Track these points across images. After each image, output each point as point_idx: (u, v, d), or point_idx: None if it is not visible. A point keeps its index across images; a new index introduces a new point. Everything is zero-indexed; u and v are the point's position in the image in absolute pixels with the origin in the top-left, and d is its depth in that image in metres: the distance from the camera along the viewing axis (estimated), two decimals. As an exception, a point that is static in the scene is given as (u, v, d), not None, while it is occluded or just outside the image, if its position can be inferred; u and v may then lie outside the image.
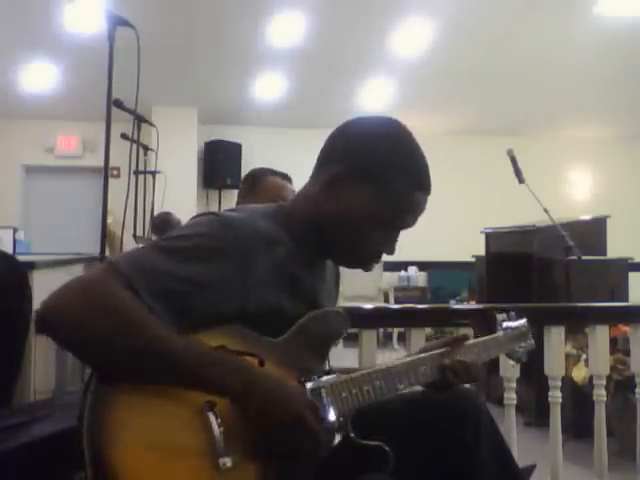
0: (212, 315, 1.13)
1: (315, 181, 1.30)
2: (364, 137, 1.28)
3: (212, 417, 1.05)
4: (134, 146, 3.56)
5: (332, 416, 1.20)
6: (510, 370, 2.26)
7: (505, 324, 1.62)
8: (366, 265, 1.33)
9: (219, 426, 1.05)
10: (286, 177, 2.61)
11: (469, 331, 2.13)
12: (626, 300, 3.97)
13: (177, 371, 1.04)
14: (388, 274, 7.72)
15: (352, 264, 1.34)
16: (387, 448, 1.26)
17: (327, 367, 1.31)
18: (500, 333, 1.60)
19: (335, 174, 1.25)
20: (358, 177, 1.24)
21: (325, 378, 1.23)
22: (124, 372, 1.04)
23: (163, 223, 4.63)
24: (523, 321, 1.66)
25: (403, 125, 1.31)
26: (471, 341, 1.54)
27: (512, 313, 1.65)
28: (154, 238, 4.45)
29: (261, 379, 1.08)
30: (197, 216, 1.26)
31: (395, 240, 1.31)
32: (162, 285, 1.08)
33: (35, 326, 1.82)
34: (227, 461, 1.04)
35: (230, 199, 7.41)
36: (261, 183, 2.56)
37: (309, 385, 1.20)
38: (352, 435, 1.26)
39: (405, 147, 1.28)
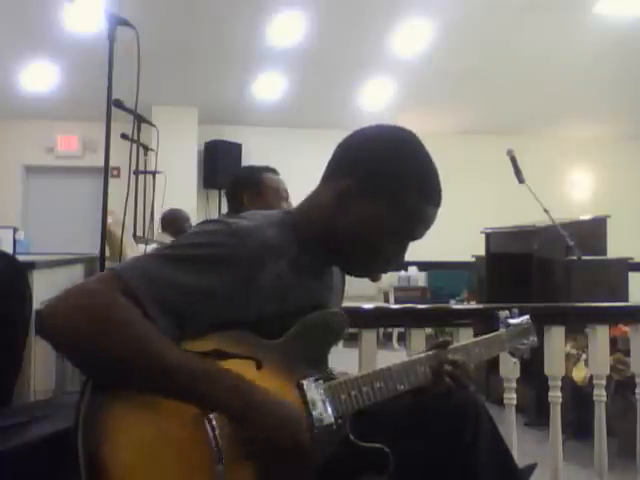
0: (212, 322, 1.12)
1: (325, 191, 1.28)
2: (376, 151, 1.26)
3: (208, 425, 1.05)
4: (134, 146, 3.55)
5: (331, 418, 1.19)
6: (510, 370, 2.26)
7: (507, 321, 1.61)
8: (374, 274, 1.33)
9: (215, 433, 1.05)
10: (275, 171, 2.67)
11: (469, 331, 2.13)
12: (626, 300, 3.97)
13: (174, 388, 1.03)
14: (388, 274, 7.72)
15: (361, 274, 1.34)
16: (387, 450, 1.26)
17: (327, 368, 1.31)
18: (502, 330, 1.59)
19: (346, 188, 1.23)
20: (370, 193, 1.23)
21: (324, 380, 1.23)
22: (122, 384, 1.03)
23: (173, 220, 4.67)
24: (526, 318, 1.65)
25: (415, 137, 1.29)
26: (473, 339, 1.54)
27: (515, 310, 1.65)
28: (164, 234, 4.50)
29: (256, 401, 1.07)
30: (205, 222, 1.24)
31: (404, 251, 1.30)
32: (168, 297, 1.07)
33: (35, 326, 1.82)
34: (223, 468, 1.04)
35: (230, 199, 7.39)
36: (266, 184, 2.58)
37: (308, 387, 1.20)
38: (351, 437, 1.26)
39: (417, 163, 1.27)
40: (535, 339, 1.66)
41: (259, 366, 1.15)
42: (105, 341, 1.00)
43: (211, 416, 1.05)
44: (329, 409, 1.20)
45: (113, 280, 1.05)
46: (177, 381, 1.03)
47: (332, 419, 1.20)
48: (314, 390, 1.20)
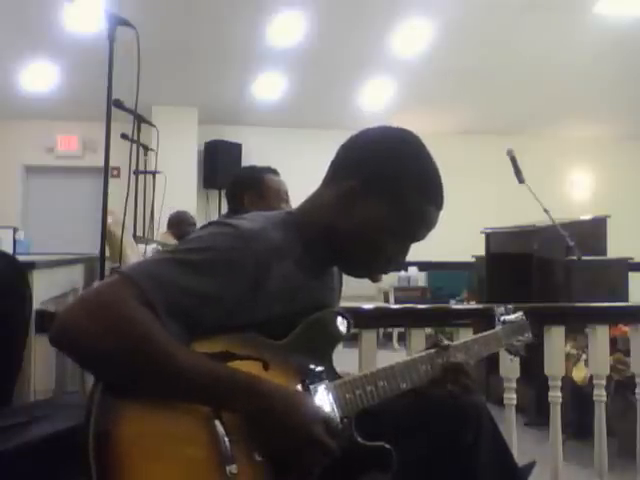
0: (219, 325, 1.12)
1: (327, 191, 1.29)
2: (379, 152, 1.26)
3: (219, 424, 1.05)
4: (134, 146, 3.55)
5: (337, 418, 1.20)
6: (510, 370, 2.26)
7: (503, 318, 1.63)
8: (375, 275, 1.34)
9: (226, 433, 1.05)
10: (276, 172, 2.67)
11: (469, 331, 2.13)
12: (626, 300, 3.97)
13: (186, 390, 1.04)
14: (388, 274, 7.68)
15: (362, 274, 1.34)
16: (390, 448, 1.26)
17: (332, 368, 1.31)
18: (499, 327, 1.61)
19: (349, 189, 1.24)
20: (373, 193, 1.24)
21: (329, 380, 1.24)
22: (134, 387, 1.03)
23: (179, 222, 4.71)
24: (520, 314, 1.67)
25: (417, 139, 1.30)
26: (471, 337, 1.55)
27: (510, 307, 1.66)
28: (167, 234, 4.51)
29: (270, 399, 1.07)
30: (210, 225, 1.23)
31: (406, 251, 1.31)
32: (180, 301, 1.06)
33: (35, 326, 1.82)
34: (234, 468, 1.04)
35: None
36: (267, 185, 2.58)
37: (313, 387, 1.20)
38: (356, 436, 1.26)
39: (419, 164, 1.27)
40: (529, 335, 1.67)
41: (266, 367, 1.15)
42: (121, 348, 1.00)
43: (222, 416, 1.05)
44: (335, 408, 1.21)
45: (123, 282, 1.05)
46: (191, 382, 1.03)
47: (338, 418, 1.20)
48: (320, 390, 1.21)
